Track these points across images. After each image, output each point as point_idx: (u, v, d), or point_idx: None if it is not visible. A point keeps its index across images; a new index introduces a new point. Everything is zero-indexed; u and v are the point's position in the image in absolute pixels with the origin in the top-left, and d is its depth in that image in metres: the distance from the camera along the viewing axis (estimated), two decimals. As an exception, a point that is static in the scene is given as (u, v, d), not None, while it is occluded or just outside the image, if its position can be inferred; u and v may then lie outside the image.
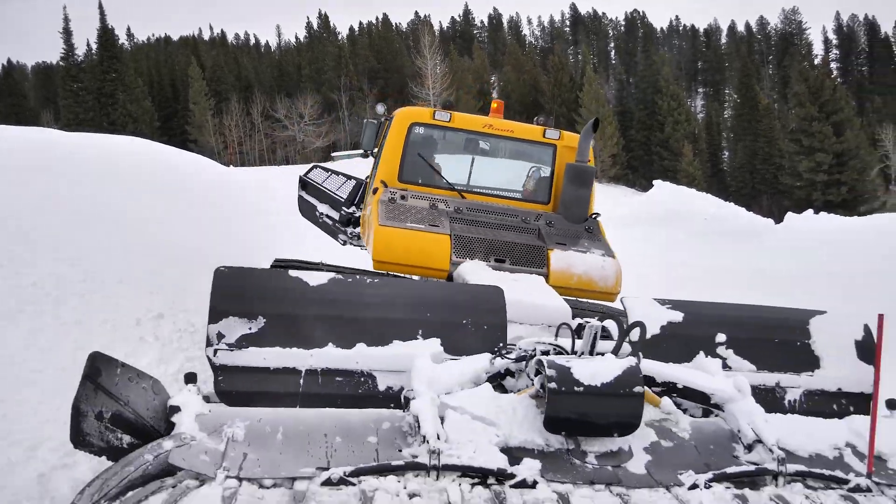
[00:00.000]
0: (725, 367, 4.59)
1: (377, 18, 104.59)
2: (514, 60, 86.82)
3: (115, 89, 73.66)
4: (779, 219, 22.98)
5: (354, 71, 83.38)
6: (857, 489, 3.63)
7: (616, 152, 67.76)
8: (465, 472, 3.39)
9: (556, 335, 4.41)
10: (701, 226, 21.47)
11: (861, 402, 4.63)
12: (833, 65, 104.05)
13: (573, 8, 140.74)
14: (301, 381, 4.09)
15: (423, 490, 3.24)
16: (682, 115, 74.02)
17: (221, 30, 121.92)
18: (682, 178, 62.46)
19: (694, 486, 3.55)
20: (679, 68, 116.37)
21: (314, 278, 4.34)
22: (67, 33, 79.13)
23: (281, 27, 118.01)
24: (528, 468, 3.46)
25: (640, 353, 4.19)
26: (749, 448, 3.82)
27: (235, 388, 4.07)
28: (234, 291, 4.19)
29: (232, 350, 4.07)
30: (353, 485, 3.24)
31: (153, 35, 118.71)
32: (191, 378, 3.95)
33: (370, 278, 4.54)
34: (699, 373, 4.26)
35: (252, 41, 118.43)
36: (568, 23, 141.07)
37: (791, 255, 13.16)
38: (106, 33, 76.75)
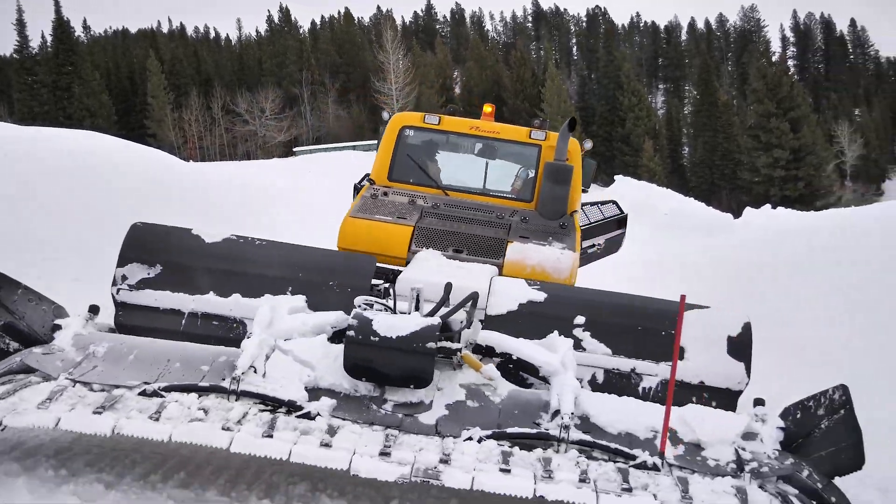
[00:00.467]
0: (579, 348, 4.79)
1: (339, 13, 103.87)
2: (477, 55, 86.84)
3: (72, 83, 72.26)
4: (737, 214, 23.30)
5: (316, 65, 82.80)
6: (643, 466, 3.76)
7: (578, 148, 68.27)
8: (263, 400, 3.95)
9: (439, 305, 4.66)
10: (663, 220, 21.76)
11: (724, 397, 4.69)
12: (790, 62, 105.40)
13: (535, 4, 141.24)
14: (183, 321, 4.88)
15: (213, 407, 3.84)
16: (643, 110, 74.75)
17: (181, 23, 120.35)
18: (643, 173, 63.02)
19: (469, 440, 3.84)
20: (640, 65, 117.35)
21: (210, 237, 5.13)
22: (21, 25, 77.50)
23: (241, 20, 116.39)
24: (321, 405, 3.96)
25: (480, 322, 4.81)
26: (553, 416, 4.01)
27: (131, 322, 4.90)
28: (141, 242, 5.08)
29: (131, 290, 4.96)
30: (161, 397, 3.88)
31: (110, 27, 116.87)
32: (94, 309, 4.79)
33: (260, 241, 5.20)
34: (536, 347, 4.55)
35: (212, 34, 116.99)
36: (530, 18, 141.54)
37: (757, 247, 13.35)
38: (61, 25, 75.24)
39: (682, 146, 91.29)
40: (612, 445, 3.88)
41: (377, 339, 4.04)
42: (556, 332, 4.73)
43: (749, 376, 4.75)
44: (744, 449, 3.93)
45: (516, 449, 3.82)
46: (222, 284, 4.96)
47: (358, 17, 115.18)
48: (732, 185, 75.35)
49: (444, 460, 3.63)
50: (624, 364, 4.82)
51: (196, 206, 13.19)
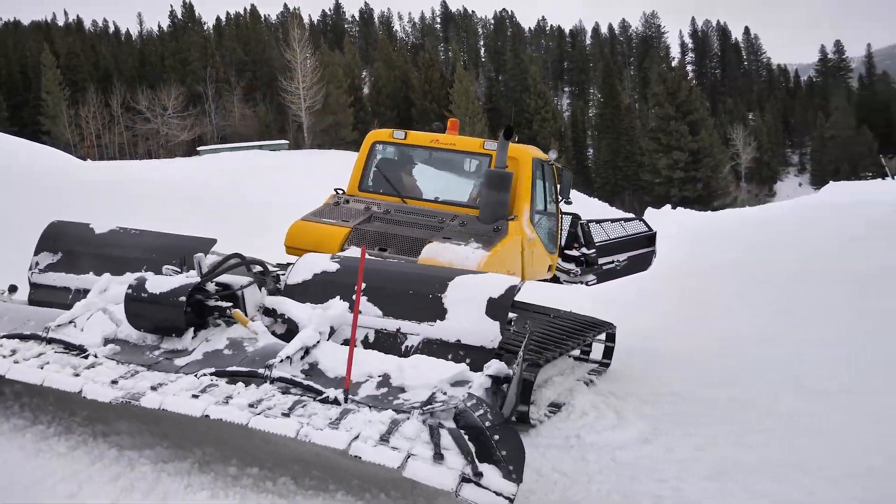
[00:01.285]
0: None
1: (245, 9, 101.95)
2: (386, 56, 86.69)
3: (-41, 76, 68.92)
4: (640, 214, 24.12)
5: (221, 62, 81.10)
6: (326, 401, 4.32)
7: (486, 149, 68.97)
8: (65, 345, 5.01)
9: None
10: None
11: (477, 354, 5.14)
12: (689, 67, 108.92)
13: (444, 5, 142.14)
14: (70, 296, 6.13)
15: (23, 349, 5.00)
16: (548, 113, 76.19)
17: (77, 15, 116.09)
18: (550, 174, 64.00)
19: (192, 374, 4.60)
20: (546, 67, 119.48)
21: (100, 229, 6.48)
22: None
23: (142, 15, 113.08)
24: (104, 349, 4.96)
25: (264, 288, 5.79)
26: (282, 362, 4.71)
27: (38, 298, 6.23)
28: (52, 234, 6.52)
29: (41, 273, 6.36)
30: (1, 345, 5.01)
31: (1, 19, 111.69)
32: (13, 289, 6.29)
33: (135, 230, 6.49)
34: (303, 309, 5.47)
35: (111, 29, 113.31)
36: (438, 20, 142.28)
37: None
38: (-53, 16, 71.67)
39: (586, 148, 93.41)
40: (306, 383, 4.49)
41: (146, 294, 5.06)
42: (338, 297, 5.54)
43: (502, 335, 5.18)
44: (444, 392, 4.44)
45: (223, 382, 4.51)
46: (98, 266, 6.16)
47: (265, 15, 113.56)
48: (635, 186, 77.56)
49: (154, 388, 4.40)
50: (391, 324, 5.42)
51: (92, 205, 12.88)
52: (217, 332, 5.22)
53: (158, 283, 5.11)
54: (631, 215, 12.99)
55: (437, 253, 7.06)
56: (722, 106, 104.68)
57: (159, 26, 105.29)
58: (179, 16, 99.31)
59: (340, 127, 65.76)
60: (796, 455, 6.92)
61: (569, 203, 10.16)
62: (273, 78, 72.99)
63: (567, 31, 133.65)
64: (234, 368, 4.67)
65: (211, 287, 5.44)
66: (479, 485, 3.78)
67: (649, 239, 12.55)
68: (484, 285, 5.38)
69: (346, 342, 5.16)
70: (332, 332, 5.34)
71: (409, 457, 3.81)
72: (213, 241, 6.28)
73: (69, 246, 6.41)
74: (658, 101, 68.73)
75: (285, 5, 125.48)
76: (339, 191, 8.47)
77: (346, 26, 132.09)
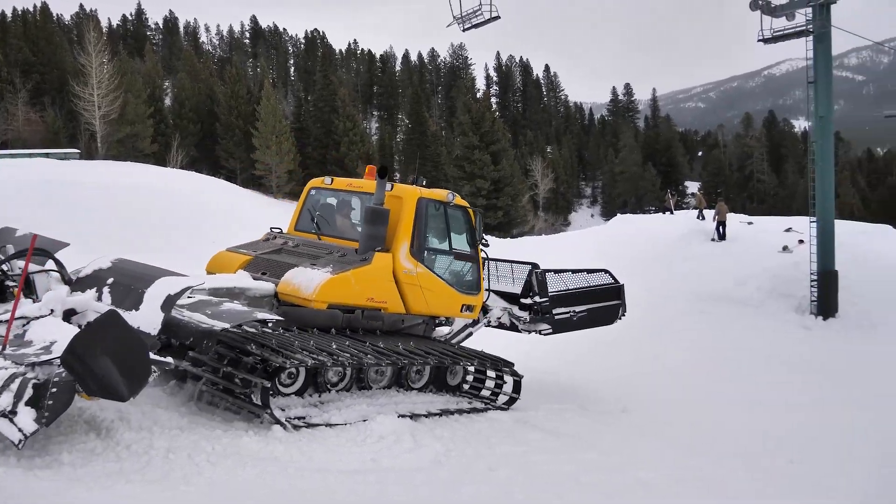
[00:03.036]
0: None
1: (35, 6, 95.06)
2: (190, 67, 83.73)
3: None
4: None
5: (5, 62, 75.10)
6: None
7: (293, 168, 68.07)
8: None
9: None
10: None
11: (145, 336, 6.38)
12: (493, 99, 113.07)
13: (254, 20, 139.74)
14: None
15: None
16: (357, 135, 76.40)
17: None
18: (356, 196, 63.94)
19: None
20: (356, 90, 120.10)
21: None
22: None
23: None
24: None
25: (59, 279, 7.65)
26: None
27: None
28: None
29: None
30: None
31: None
32: None
33: None
34: (55, 293, 6.93)
35: None
36: (248, 35, 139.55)
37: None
38: None
39: (393, 173, 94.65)
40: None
41: None
42: (94, 288, 7.07)
43: (163, 325, 6.50)
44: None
45: None
46: None
47: (57, 14, 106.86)
48: (440, 212, 78.91)
49: None
50: (103, 308, 6.54)
51: None
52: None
53: None
54: (600, 267, 12.90)
55: (293, 276, 8.56)
56: (522, 138, 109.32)
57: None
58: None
59: (139, 138, 62.71)
60: (577, 468, 7.47)
61: (485, 245, 10.63)
62: (65, 82, 68.50)
63: (377, 55, 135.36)
64: None
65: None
66: (11, 420, 5.20)
67: (615, 292, 12.54)
68: (170, 285, 6.65)
69: (67, 315, 6.73)
70: (74, 312, 6.78)
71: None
72: (66, 244, 8.20)
73: None
74: (463, 131, 70.79)
75: (81, 6, 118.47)
76: (274, 229, 10.39)
77: (148, 33, 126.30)
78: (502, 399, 10.22)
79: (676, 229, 31.03)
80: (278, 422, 7.13)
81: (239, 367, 7.15)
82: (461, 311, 10.32)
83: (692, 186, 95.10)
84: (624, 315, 12.73)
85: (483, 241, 10.59)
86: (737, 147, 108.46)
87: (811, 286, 21.58)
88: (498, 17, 21.79)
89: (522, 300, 11.78)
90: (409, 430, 7.70)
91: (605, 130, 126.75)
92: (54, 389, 5.36)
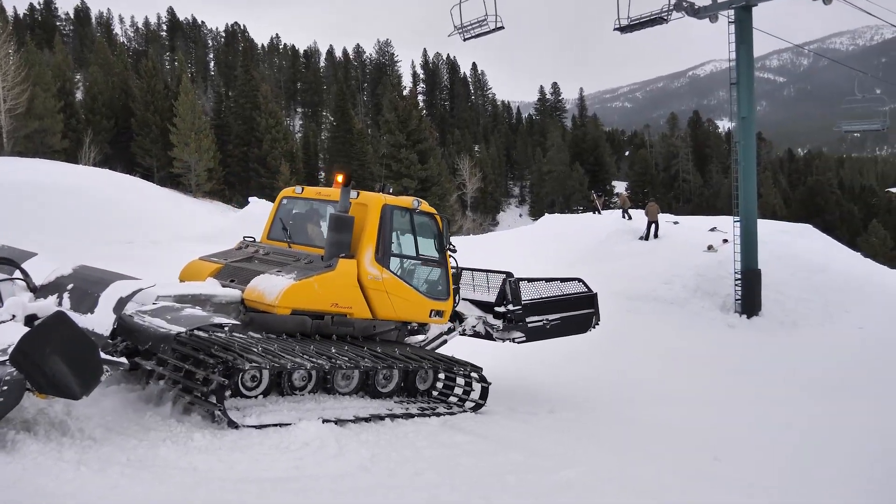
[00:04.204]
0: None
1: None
2: (103, 60, 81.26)
3: None
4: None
5: None
6: None
7: (213, 166, 66.73)
8: None
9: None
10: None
11: (96, 337, 6.90)
12: (420, 98, 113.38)
13: (171, 12, 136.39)
14: None
15: None
16: (280, 133, 75.49)
17: None
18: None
19: None
20: (279, 86, 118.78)
21: None
22: None
23: None
24: None
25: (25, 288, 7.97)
26: None
27: None
28: None
29: None
30: None
31: None
32: None
33: None
34: (15, 299, 7.38)
35: None
36: (165, 27, 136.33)
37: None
38: None
39: (318, 171, 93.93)
40: None
41: None
42: (56, 294, 7.55)
43: (114, 325, 7.07)
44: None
45: None
46: None
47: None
48: (366, 212, 78.29)
49: None
50: (73, 315, 6.74)
51: None
52: None
53: None
54: (573, 276, 13.22)
55: (258, 282, 8.98)
56: (450, 137, 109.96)
57: None
58: None
59: (48, 134, 60.66)
60: (504, 469, 7.54)
61: (452, 251, 10.85)
62: (-35, 74, 65.78)
63: (301, 51, 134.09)
64: None
65: None
66: None
67: (588, 300, 12.75)
68: (122, 288, 7.10)
69: (28, 320, 7.13)
70: (36, 317, 7.09)
71: None
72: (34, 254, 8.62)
73: None
74: (389, 129, 70.68)
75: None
76: (247, 238, 10.84)
77: (57, 24, 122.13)
78: (469, 405, 10.40)
79: (604, 229, 31.47)
80: (231, 422, 7.41)
81: (198, 368, 7.43)
82: (430, 316, 10.62)
83: (619, 186, 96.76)
84: (598, 324, 12.99)
85: (451, 246, 10.83)
86: (663, 147, 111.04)
87: (735, 285, 22.05)
88: (502, 28, 21.30)
89: (496, 308, 12.02)
90: (334, 436, 7.65)
91: (532, 129, 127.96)
92: (4, 387, 5.67)
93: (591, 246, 28.80)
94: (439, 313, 10.73)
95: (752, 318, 21.49)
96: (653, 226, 29.41)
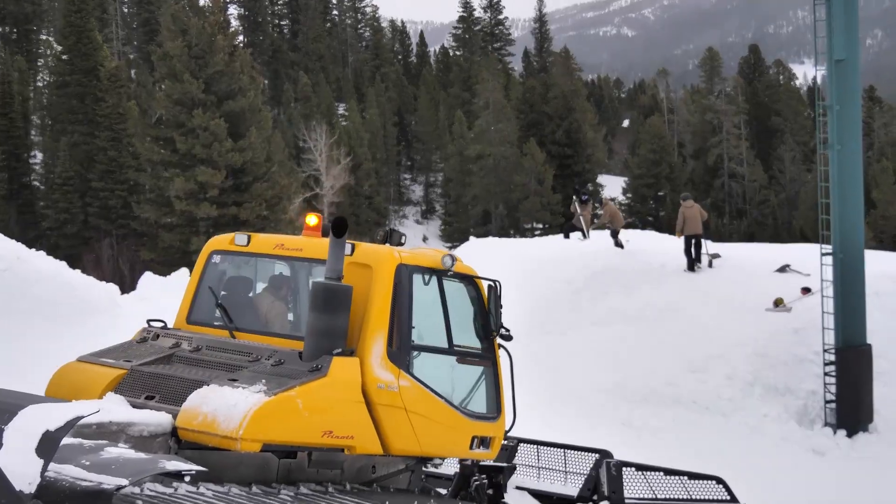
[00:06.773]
0: None
1: None
2: None
3: None
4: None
5: None
6: None
7: None
8: None
9: None
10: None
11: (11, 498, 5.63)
12: (232, 10, 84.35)
13: None
14: None
15: None
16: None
17: None
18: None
19: None
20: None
21: None
22: None
23: None
24: None
25: None
26: None
27: None
28: None
29: None
30: None
31: None
32: None
33: None
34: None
35: None
36: None
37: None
38: None
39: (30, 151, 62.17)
40: None
41: None
42: None
43: (42, 479, 5.25)
44: None
45: None
46: None
47: None
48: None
49: None
50: None
51: None
52: None
53: None
54: (708, 473, 9.87)
55: (203, 400, 6.34)
56: (291, 88, 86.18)
57: None
58: None
59: None
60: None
61: (505, 337, 7.87)
62: None
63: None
64: None
65: None
66: None
67: None
68: (46, 416, 5.08)
69: None
70: None
71: None
72: None
73: None
74: (172, 70, 50.12)
75: None
76: (152, 323, 7.68)
77: None
78: None
79: (582, 268, 21.47)
80: None
81: None
82: (471, 447, 7.71)
83: (610, 186, 77.18)
84: None
85: (504, 330, 7.74)
86: (693, 110, 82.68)
87: (826, 374, 15.32)
88: None
89: None
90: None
91: (448, 75, 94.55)
92: None
93: (555, 298, 19.85)
94: (485, 442, 7.77)
95: (855, 437, 14.91)
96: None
